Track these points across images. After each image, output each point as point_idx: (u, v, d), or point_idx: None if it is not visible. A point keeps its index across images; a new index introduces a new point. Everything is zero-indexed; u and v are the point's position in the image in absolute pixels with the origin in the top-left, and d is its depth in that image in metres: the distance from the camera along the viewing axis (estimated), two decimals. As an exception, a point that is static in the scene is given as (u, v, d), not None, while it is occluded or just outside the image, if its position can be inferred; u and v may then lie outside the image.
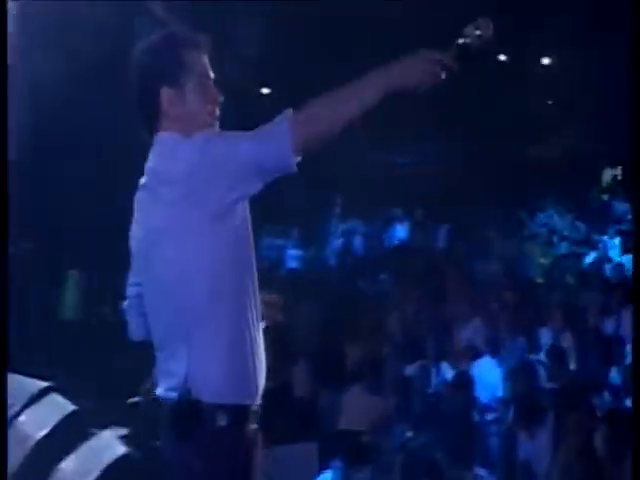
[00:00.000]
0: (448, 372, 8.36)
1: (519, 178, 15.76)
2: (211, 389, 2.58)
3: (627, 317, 8.76)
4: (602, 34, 15.10)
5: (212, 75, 2.75)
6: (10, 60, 4.52)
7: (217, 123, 2.73)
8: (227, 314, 2.58)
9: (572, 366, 8.21)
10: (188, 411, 2.58)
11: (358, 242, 13.86)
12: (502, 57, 18.54)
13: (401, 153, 18.16)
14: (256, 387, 2.66)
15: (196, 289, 2.56)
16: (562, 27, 15.61)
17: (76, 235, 12.64)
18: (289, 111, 2.54)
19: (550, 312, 9.59)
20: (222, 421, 2.57)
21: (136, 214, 2.72)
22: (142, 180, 2.70)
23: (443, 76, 2.61)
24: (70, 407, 5.43)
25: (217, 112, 2.74)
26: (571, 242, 13.30)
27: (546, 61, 19.21)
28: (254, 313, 2.65)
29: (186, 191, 2.52)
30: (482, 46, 2.57)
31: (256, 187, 2.56)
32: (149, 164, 2.69)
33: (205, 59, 2.74)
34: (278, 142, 2.52)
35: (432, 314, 10.23)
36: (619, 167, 16.96)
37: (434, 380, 8.19)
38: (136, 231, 2.71)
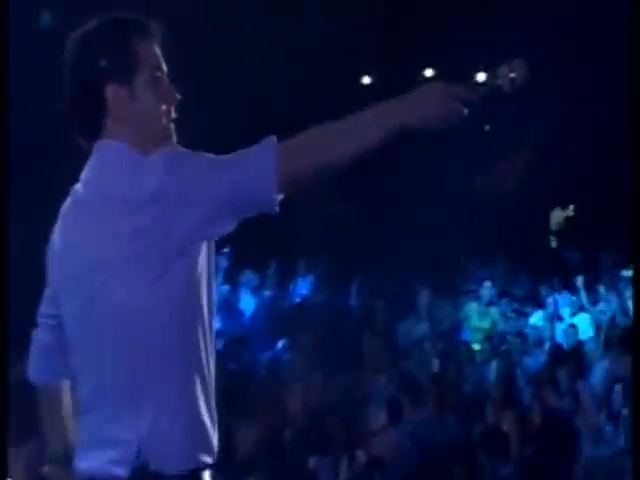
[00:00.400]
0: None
1: (450, 220, 15.25)
2: (174, 456, 2.42)
3: (583, 391, 8.56)
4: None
5: (165, 69, 2.57)
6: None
7: (173, 126, 2.56)
8: (187, 367, 2.43)
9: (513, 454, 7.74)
10: None
11: (248, 300, 12.99)
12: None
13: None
14: (215, 442, 2.53)
15: (151, 337, 2.40)
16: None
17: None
18: (273, 138, 2.42)
19: (488, 387, 9.39)
20: None
21: (68, 234, 2.51)
22: (77, 193, 2.53)
23: (465, 114, 2.53)
24: None
25: (173, 113, 2.57)
26: (513, 299, 12.49)
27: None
28: (210, 363, 2.52)
29: (144, 222, 2.34)
30: (513, 90, 2.56)
31: (228, 226, 2.42)
32: (87, 176, 2.51)
33: (157, 49, 2.56)
34: (260, 174, 2.38)
35: (343, 389, 9.62)
36: (570, 207, 16.78)
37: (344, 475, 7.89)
38: (67, 255, 2.51)
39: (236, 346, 10.40)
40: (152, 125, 2.51)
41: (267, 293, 12.45)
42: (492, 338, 10.87)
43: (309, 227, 14.16)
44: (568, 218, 17.01)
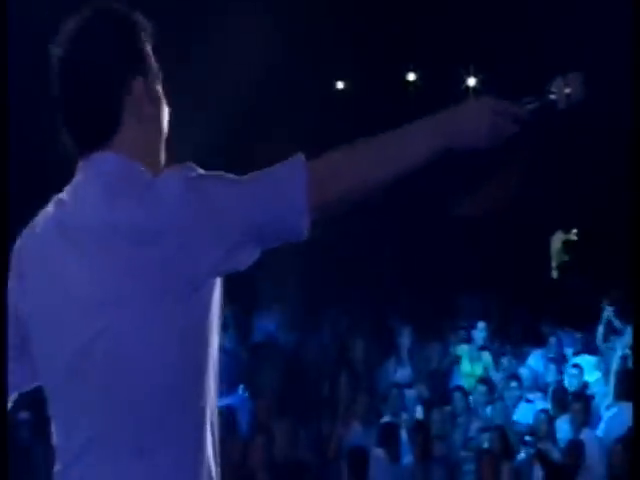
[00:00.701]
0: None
1: (437, 247, 15.16)
2: None
3: (589, 444, 8.39)
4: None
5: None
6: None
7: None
8: (195, 414, 2.41)
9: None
10: None
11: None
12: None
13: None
14: None
15: (160, 381, 2.36)
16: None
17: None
18: (301, 157, 2.37)
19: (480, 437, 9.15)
20: None
21: (51, 263, 2.39)
22: (65, 214, 2.39)
23: (514, 131, 2.55)
24: None
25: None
26: (508, 337, 12.10)
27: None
28: (215, 408, 2.52)
29: (161, 254, 2.29)
30: (568, 106, 2.56)
31: (252, 256, 2.37)
32: (81, 195, 2.38)
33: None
34: (291, 200, 2.34)
35: (314, 440, 9.62)
36: (573, 230, 16.54)
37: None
38: (46, 289, 2.40)
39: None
40: (162, 132, 2.52)
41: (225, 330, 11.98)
42: (485, 381, 10.52)
43: (274, 251, 13.85)
44: (571, 243, 16.77)
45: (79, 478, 2.43)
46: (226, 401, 10.00)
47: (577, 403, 9.03)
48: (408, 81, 17.14)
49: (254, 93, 14.03)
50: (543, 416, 9.05)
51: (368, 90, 16.86)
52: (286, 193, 2.33)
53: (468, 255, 14.43)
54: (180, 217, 2.30)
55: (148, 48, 2.52)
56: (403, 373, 10.99)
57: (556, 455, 8.41)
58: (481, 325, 11.57)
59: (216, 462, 2.49)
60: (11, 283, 2.49)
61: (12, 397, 2.60)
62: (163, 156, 2.51)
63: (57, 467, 2.49)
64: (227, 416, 9.43)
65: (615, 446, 8.19)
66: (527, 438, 8.93)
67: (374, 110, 15.17)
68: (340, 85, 17.66)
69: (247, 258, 2.38)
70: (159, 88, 2.53)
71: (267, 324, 12.40)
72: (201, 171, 2.38)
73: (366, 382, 10.74)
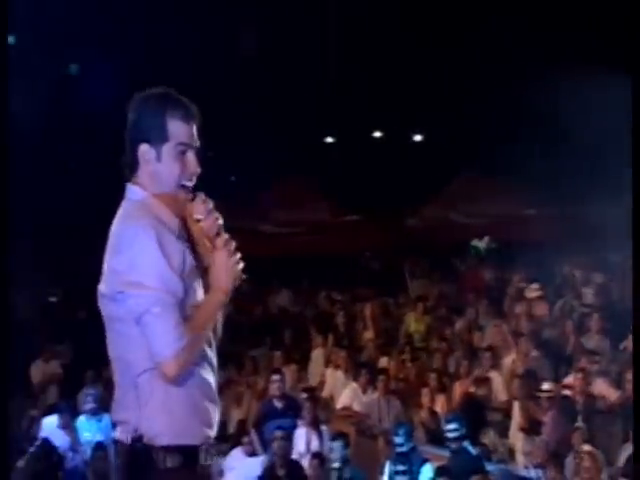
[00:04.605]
0: None
1: None
2: (161, 435, 3.09)
3: None
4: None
5: (196, 145, 3.24)
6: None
7: (190, 188, 3.22)
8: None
9: None
10: (140, 453, 3.08)
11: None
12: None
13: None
14: (207, 427, 3.19)
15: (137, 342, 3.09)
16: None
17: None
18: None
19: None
20: (173, 462, 3.09)
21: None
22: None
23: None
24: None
25: (192, 180, 3.24)
26: None
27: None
28: (207, 354, 3.20)
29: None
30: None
31: None
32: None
33: (189, 128, 3.21)
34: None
35: None
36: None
37: None
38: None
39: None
40: (169, 184, 3.21)
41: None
42: None
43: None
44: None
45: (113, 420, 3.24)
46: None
47: None
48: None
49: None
50: None
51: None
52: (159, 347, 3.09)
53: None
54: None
55: (174, 127, 3.18)
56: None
57: None
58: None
59: (207, 396, 3.22)
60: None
61: None
62: (180, 193, 3.20)
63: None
64: None
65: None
66: None
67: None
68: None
69: None
70: (176, 155, 3.19)
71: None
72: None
73: None
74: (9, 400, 13.30)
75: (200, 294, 3.18)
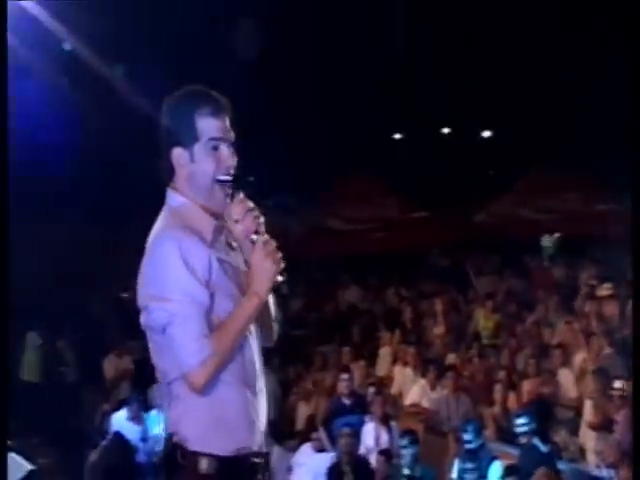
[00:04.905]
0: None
1: None
2: (192, 438, 3.13)
3: None
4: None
5: (230, 137, 3.20)
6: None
7: (229, 182, 3.19)
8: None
9: None
10: (171, 454, 3.16)
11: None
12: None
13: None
14: (236, 440, 3.17)
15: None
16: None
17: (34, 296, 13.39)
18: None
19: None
20: (202, 468, 3.12)
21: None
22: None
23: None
24: (28, 466, 6.26)
25: (228, 173, 3.18)
26: None
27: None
28: (246, 372, 3.19)
29: None
30: None
31: None
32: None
33: (219, 122, 3.17)
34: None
35: None
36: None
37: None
38: None
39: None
40: (205, 183, 3.18)
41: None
42: None
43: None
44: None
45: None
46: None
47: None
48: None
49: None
50: None
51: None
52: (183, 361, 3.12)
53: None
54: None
55: (204, 124, 3.15)
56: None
57: None
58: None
59: (247, 409, 3.23)
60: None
61: None
62: (218, 190, 3.19)
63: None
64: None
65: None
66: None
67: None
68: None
69: None
70: (209, 151, 3.17)
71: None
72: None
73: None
74: (83, 394, 13.77)
75: (236, 299, 3.17)
